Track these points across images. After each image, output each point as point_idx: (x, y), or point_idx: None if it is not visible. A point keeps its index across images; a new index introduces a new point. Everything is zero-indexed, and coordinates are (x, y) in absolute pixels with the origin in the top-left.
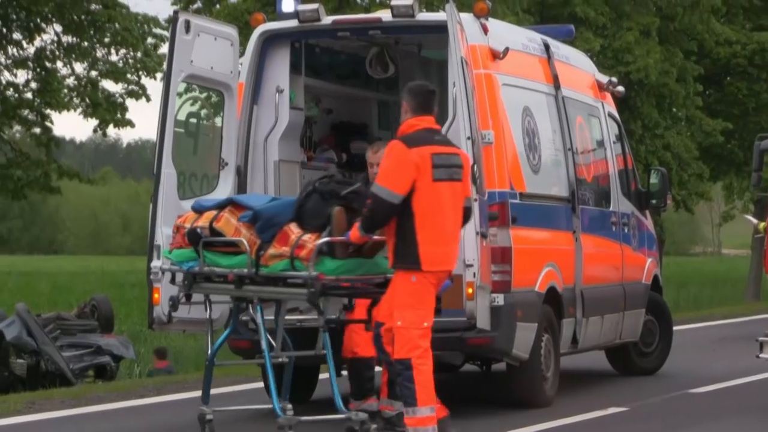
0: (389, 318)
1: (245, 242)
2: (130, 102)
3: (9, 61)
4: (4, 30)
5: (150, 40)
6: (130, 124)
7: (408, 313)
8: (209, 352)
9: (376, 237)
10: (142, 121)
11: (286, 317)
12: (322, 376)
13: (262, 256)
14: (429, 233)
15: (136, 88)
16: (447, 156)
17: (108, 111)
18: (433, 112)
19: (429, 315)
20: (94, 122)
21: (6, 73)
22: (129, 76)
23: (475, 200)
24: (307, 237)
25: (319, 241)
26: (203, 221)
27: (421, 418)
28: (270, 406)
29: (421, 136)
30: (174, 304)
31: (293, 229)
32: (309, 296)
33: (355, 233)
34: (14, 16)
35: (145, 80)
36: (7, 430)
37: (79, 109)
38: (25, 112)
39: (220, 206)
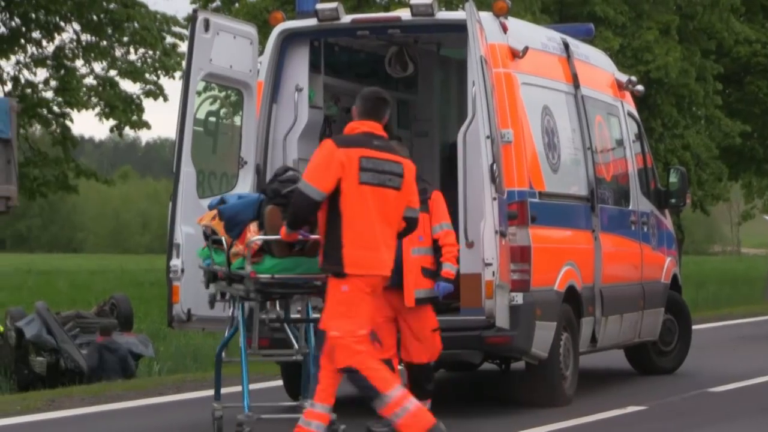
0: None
1: (224, 240)
2: (147, 102)
3: (29, 60)
4: (24, 29)
5: (168, 39)
6: (146, 125)
7: (342, 323)
8: (218, 348)
9: (313, 237)
10: (159, 121)
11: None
12: None
13: (231, 254)
14: (355, 236)
15: (153, 88)
16: (380, 161)
17: (124, 113)
18: (381, 120)
19: (364, 323)
20: (111, 123)
21: (25, 72)
22: (147, 75)
23: (494, 199)
24: (256, 236)
25: (251, 239)
26: (206, 220)
27: (395, 400)
28: (288, 403)
29: (357, 139)
30: (211, 301)
31: (251, 228)
32: (244, 293)
33: (282, 230)
34: (33, 15)
35: (163, 80)
36: (28, 428)
37: (97, 109)
38: (44, 111)
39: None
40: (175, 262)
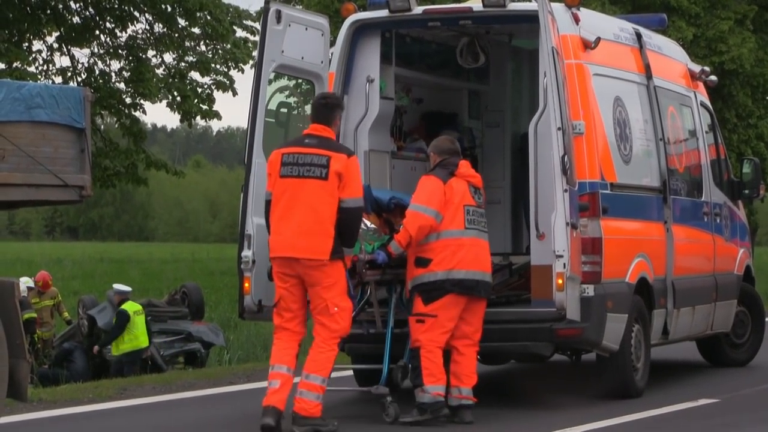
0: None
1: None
2: (217, 94)
3: (102, 51)
4: (97, 18)
5: (239, 32)
6: (216, 116)
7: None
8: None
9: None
10: (229, 111)
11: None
12: None
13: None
14: (274, 223)
15: (223, 80)
16: (301, 155)
17: (195, 103)
18: (326, 122)
19: (283, 298)
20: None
21: (99, 63)
22: (218, 67)
23: (566, 191)
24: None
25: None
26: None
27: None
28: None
29: (292, 141)
30: None
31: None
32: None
33: None
34: (107, 5)
35: (233, 72)
36: (100, 416)
37: (169, 97)
38: (115, 102)
39: None
40: (246, 253)
